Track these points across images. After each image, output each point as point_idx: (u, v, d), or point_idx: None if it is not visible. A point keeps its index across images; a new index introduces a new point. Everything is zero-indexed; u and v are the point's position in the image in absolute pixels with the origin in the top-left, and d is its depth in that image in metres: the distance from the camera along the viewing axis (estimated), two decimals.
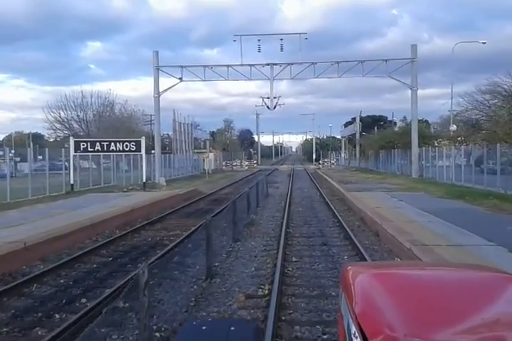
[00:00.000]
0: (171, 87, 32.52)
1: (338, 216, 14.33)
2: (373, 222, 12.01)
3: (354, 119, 78.16)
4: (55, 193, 21.46)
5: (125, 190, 24.61)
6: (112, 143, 22.72)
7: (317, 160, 75.29)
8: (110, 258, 9.46)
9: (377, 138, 45.12)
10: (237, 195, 15.71)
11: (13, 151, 35.20)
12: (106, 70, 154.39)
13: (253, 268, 8.40)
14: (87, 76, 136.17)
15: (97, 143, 22.56)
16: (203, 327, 1.64)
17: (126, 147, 22.35)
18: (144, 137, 22.76)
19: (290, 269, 8.25)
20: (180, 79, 31.98)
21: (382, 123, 75.72)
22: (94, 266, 8.86)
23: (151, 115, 60.55)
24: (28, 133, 64.45)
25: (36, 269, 8.34)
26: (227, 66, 31.80)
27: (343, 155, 73.65)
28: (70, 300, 6.69)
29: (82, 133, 40.76)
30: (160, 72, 32.14)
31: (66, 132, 44.97)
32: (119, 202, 16.72)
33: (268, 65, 31.74)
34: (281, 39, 32.05)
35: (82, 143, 22.40)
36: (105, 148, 22.36)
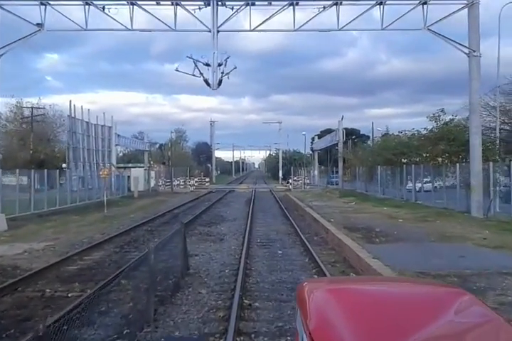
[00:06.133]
0: (20, 39, 17.03)
1: None
2: None
3: (325, 132, 65.75)
4: None
5: None
6: None
7: (285, 178, 60.69)
8: None
9: (379, 147, 30.58)
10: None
11: None
12: (63, 82, 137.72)
13: None
14: (44, 88, 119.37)
15: None
16: None
17: None
18: None
19: None
20: (40, 25, 16.70)
21: (354, 137, 65.88)
22: None
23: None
24: None
25: None
26: (131, 4, 16.78)
27: (316, 172, 59.26)
28: None
29: None
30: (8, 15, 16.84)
31: None
32: None
33: (208, 4, 16.94)
34: None
35: None
36: None
